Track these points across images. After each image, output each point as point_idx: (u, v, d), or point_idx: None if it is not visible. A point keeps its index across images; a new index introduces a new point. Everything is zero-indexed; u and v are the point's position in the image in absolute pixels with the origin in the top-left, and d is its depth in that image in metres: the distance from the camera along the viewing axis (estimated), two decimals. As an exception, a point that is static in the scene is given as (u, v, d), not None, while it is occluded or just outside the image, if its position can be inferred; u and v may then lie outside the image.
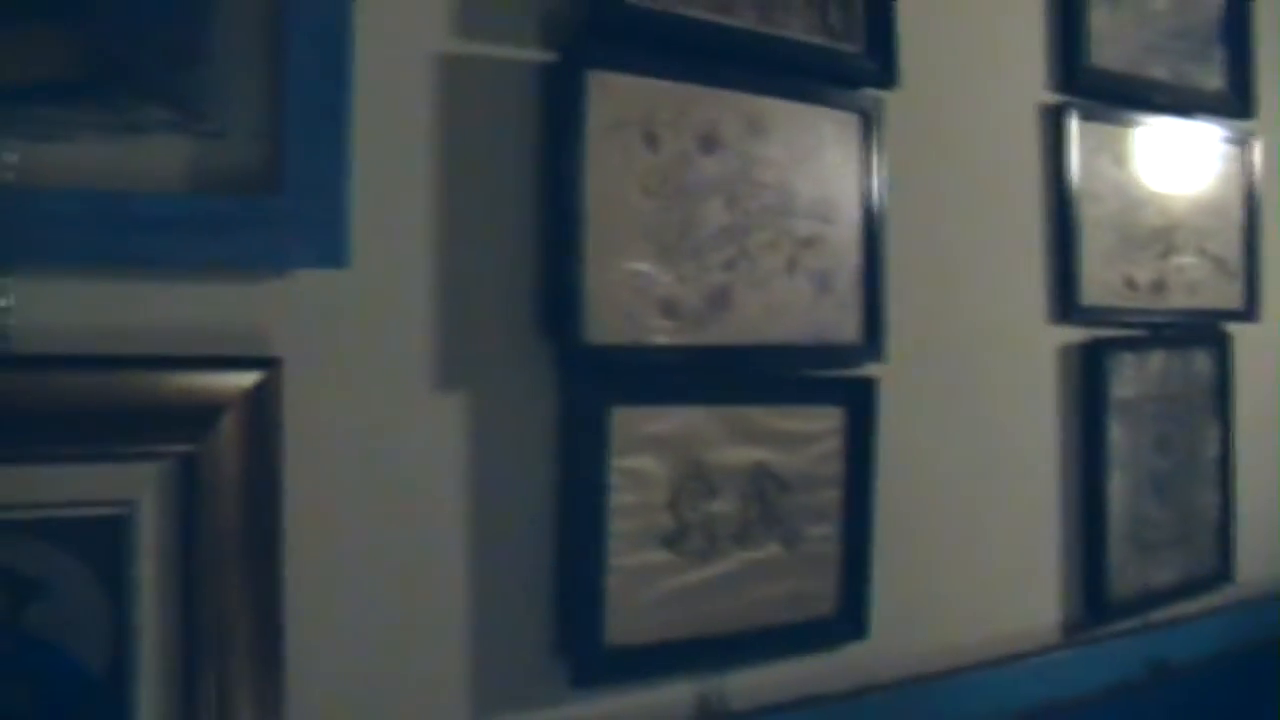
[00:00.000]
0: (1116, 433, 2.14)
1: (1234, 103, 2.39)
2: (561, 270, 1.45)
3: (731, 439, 1.61)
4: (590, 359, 1.47)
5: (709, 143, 1.58)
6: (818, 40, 1.70)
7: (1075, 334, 2.12)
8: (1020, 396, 2.06)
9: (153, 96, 1.21)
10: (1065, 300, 2.09)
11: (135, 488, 1.21)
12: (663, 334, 1.53)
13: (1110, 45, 2.17)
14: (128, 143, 1.20)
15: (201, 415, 1.22)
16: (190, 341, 1.24)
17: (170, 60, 1.22)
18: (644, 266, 1.52)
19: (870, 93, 1.77)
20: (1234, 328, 2.40)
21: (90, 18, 1.18)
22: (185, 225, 1.21)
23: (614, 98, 1.49)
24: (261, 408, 1.25)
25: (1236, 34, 2.39)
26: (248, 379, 1.24)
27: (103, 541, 1.19)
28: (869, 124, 1.76)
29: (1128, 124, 2.19)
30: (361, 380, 1.37)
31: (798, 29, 1.68)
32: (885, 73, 1.77)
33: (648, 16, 1.52)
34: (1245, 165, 2.42)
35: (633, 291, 1.51)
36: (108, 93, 1.19)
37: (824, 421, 1.71)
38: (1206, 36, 2.35)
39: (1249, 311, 2.42)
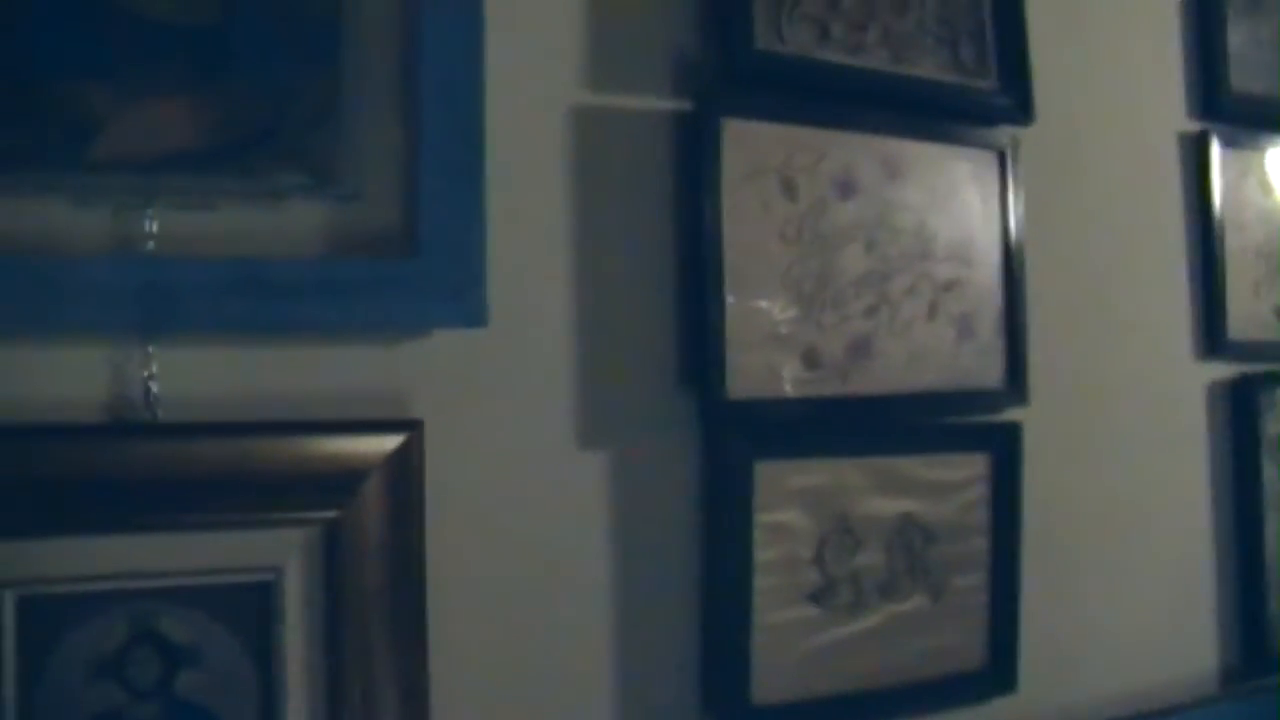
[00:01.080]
0: (1271, 472, 2.05)
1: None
2: (702, 323, 1.43)
3: (875, 490, 1.57)
4: (732, 413, 1.44)
5: (846, 188, 1.55)
6: (951, 78, 1.67)
7: (1224, 369, 2.04)
8: (1169, 436, 1.98)
9: (288, 161, 1.22)
10: (1212, 334, 2.01)
11: (281, 554, 1.20)
12: (804, 385, 1.50)
13: (1250, 67, 2.09)
14: (264, 209, 1.22)
15: (344, 480, 1.22)
16: (331, 406, 1.24)
17: (305, 124, 1.23)
18: (784, 316, 1.49)
19: (1006, 129, 1.72)
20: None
21: (225, 85, 1.19)
22: (323, 289, 1.21)
23: (750, 145, 1.47)
24: (404, 471, 1.24)
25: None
26: (390, 442, 1.24)
27: (250, 608, 1.20)
28: (1005, 161, 1.71)
29: (1271, 148, 2.11)
30: (503, 440, 1.35)
31: (930, 68, 1.65)
32: (1020, 108, 1.73)
33: (781, 62, 1.50)
34: None
35: (774, 343, 1.48)
36: (243, 160, 1.20)
37: (968, 469, 1.66)
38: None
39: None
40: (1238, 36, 2.08)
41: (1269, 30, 2.13)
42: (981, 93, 1.70)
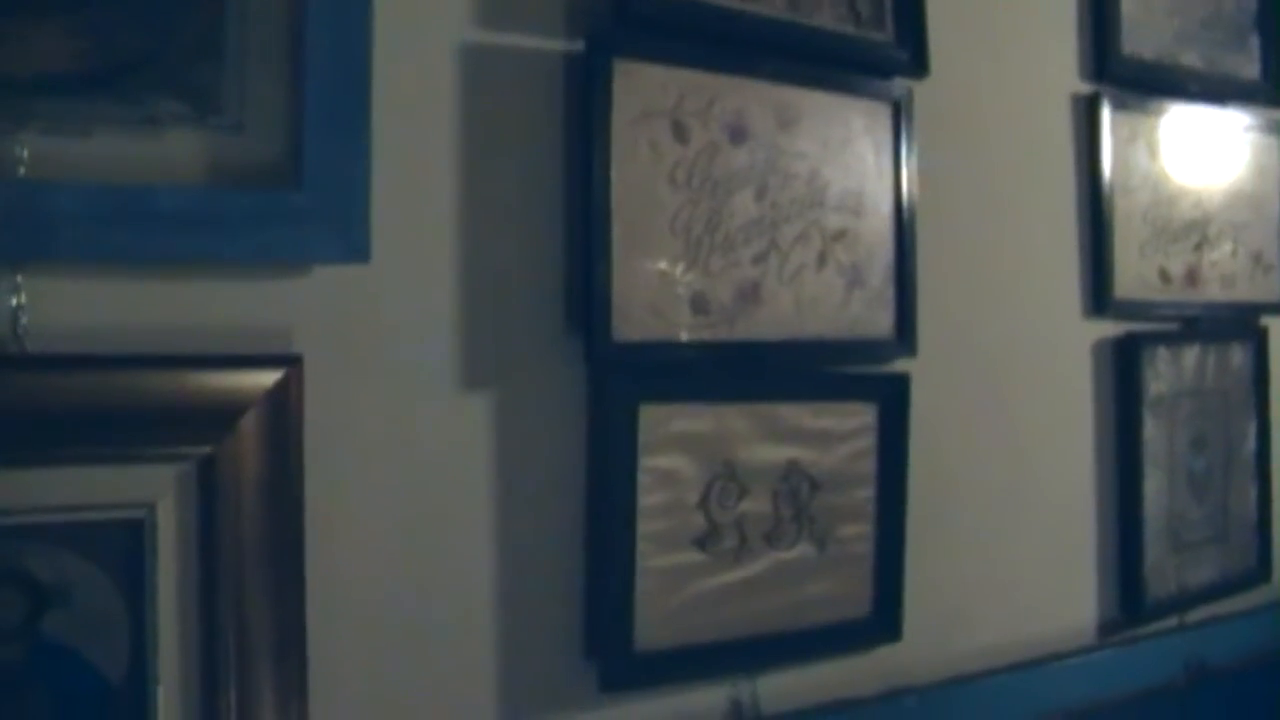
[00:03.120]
0: (1151, 429, 2.10)
1: (1270, 91, 2.34)
2: (588, 265, 1.41)
3: (762, 437, 1.57)
4: (618, 355, 1.43)
5: (737, 133, 1.54)
6: (847, 29, 1.67)
7: (1109, 328, 2.08)
8: (1054, 392, 2.02)
9: (169, 90, 1.19)
10: (1099, 294, 2.05)
11: (153, 490, 1.18)
12: (692, 330, 1.50)
13: (1143, 33, 2.13)
14: (143, 137, 1.18)
15: (221, 415, 1.19)
16: (209, 340, 1.21)
17: (187, 53, 1.19)
18: (672, 261, 1.48)
19: (900, 82, 1.73)
20: (1271, 320, 2.35)
21: (104, 10, 1.15)
22: (202, 221, 1.18)
23: (641, 88, 1.45)
24: (282, 407, 1.22)
25: (1272, 20, 2.34)
26: (268, 378, 1.21)
27: (121, 546, 1.17)
28: (899, 114, 1.72)
29: (1161, 113, 2.15)
30: (385, 379, 1.33)
31: (827, 18, 1.65)
32: (915, 62, 1.74)
33: (675, 4, 1.49)
34: (1271, 154, 2.37)
35: (661, 287, 1.47)
36: (123, 86, 1.17)
37: (855, 419, 1.67)
38: (1241, 23, 2.30)
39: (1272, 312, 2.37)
40: (1132, 2, 2.10)
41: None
42: (877, 45, 1.70)
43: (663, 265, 1.47)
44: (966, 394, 1.87)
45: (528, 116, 1.44)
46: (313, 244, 1.24)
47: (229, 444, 1.20)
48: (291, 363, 1.22)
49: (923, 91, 1.76)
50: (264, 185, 1.22)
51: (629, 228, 1.44)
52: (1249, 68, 2.32)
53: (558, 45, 1.45)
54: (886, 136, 1.71)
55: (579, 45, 1.45)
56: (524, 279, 1.43)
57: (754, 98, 1.56)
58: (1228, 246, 2.25)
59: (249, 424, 1.20)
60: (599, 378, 1.45)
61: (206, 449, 1.19)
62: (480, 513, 1.40)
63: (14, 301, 1.13)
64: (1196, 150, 2.21)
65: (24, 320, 1.13)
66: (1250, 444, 2.32)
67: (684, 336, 1.49)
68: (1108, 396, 2.08)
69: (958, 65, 1.84)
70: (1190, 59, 2.20)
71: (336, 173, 1.24)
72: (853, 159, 1.67)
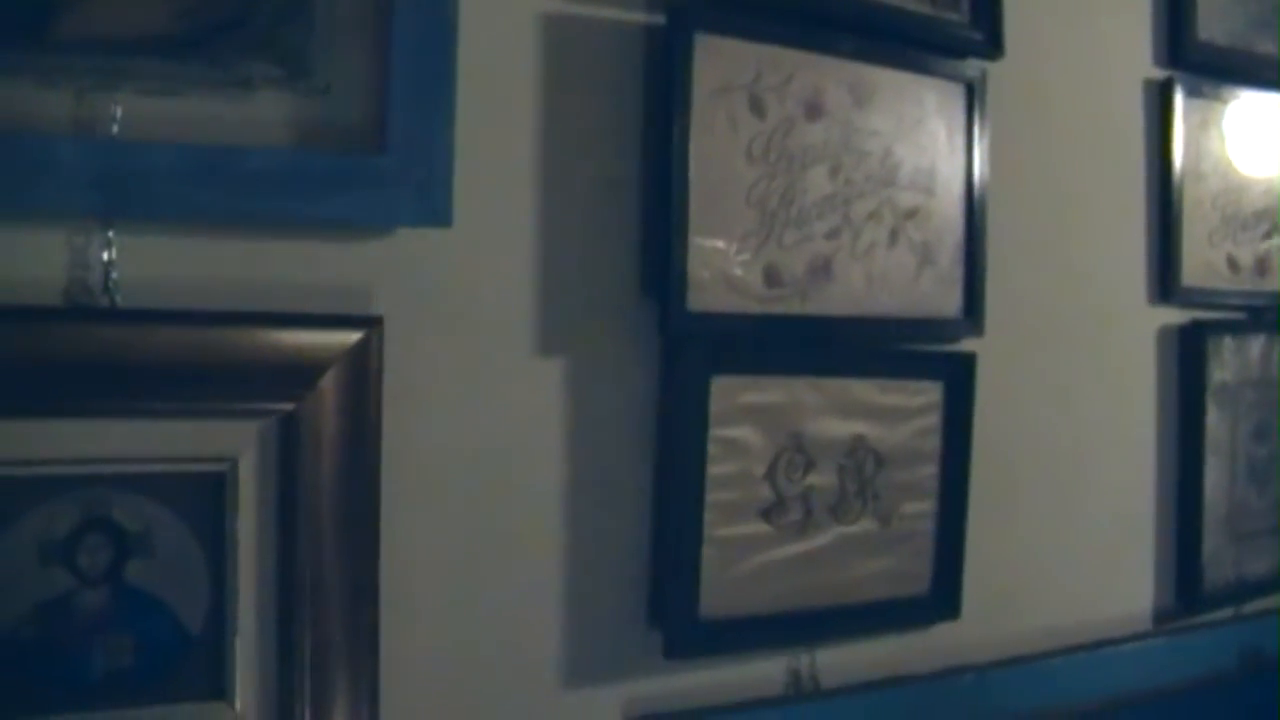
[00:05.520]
0: (1214, 417, 2.09)
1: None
2: (665, 236, 1.43)
3: (830, 411, 1.58)
4: (691, 326, 1.45)
5: (814, 109, 1.55)
6: (923, 9, 1.67)
7: (1175, 315, 2.07)
8: (1119, 377, 2.01)
9: (257, 52, 1.21)
10: (1166, 280, 2.04)
11: (236, 445, 1.21)
12: (764, 302, 1.51)
13: (1217, 19, 2.11)
14: (232, 98, 1.20)
15: (302, 373, 1.22)
16: (292, 299, 1.23)
17: (278, 17, 1.21)
18: (746, 234, 1.49)
19: (974, 63, 1.73)
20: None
21: (198, -28, 1.17)
22: (289, 182, 1.21)
23: (720, 62, 1.46)
24: (362, 367, 1.24)
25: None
26: (349, 338, 1.23)
27: (203, 498, 1.20)
28: (972, 95, 1.72)
29: (1234, 100, 2.13)
30: (462, 342, 1.36)
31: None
32: (990, 43, 1.74)
33: None
34: None
35: (735, 259, 1.48)
36: (215, 48, 1.19)
37: (922, 396, 1.68)
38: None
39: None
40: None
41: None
42: (952, 25, 1.70)
43: (737, 238, 1.48)
44: (1031, 376, 1.87)
45: (608, 87, 1.45)
46: (396, 207, 1.26)
47: (310, 401, 1.22)
48: (372, 324, 1.25)
49: (996, 73, 1.75)
50: (349, 148, 1.24)
51: (705, 200, 1.45)
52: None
53: (639, 17, 1.46)
54: (960, 117, 1.71)
55: (659, 18, 1.46)
56: (601, 248, 1.44)
57: (830, 74, 1.57)
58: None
59: (329, 383, 1.23)
60: (672, 347, 1.46)
61: (288, 406, 1.22)
62: (552, 478, 1.42)
63: (105, 256, 1.16)
64: (1269, 138, 2.18)
65: (115, 275, 1.16)
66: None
67: (756, 309, 1.50)
68: (1171, 383, 2.07)
69: (1031, 47, 1.83)
70: (1265, 45, 2.18)
71: (420, 137, 1.26)
72: (926, 138, 1.67)
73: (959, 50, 1.72)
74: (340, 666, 1.24)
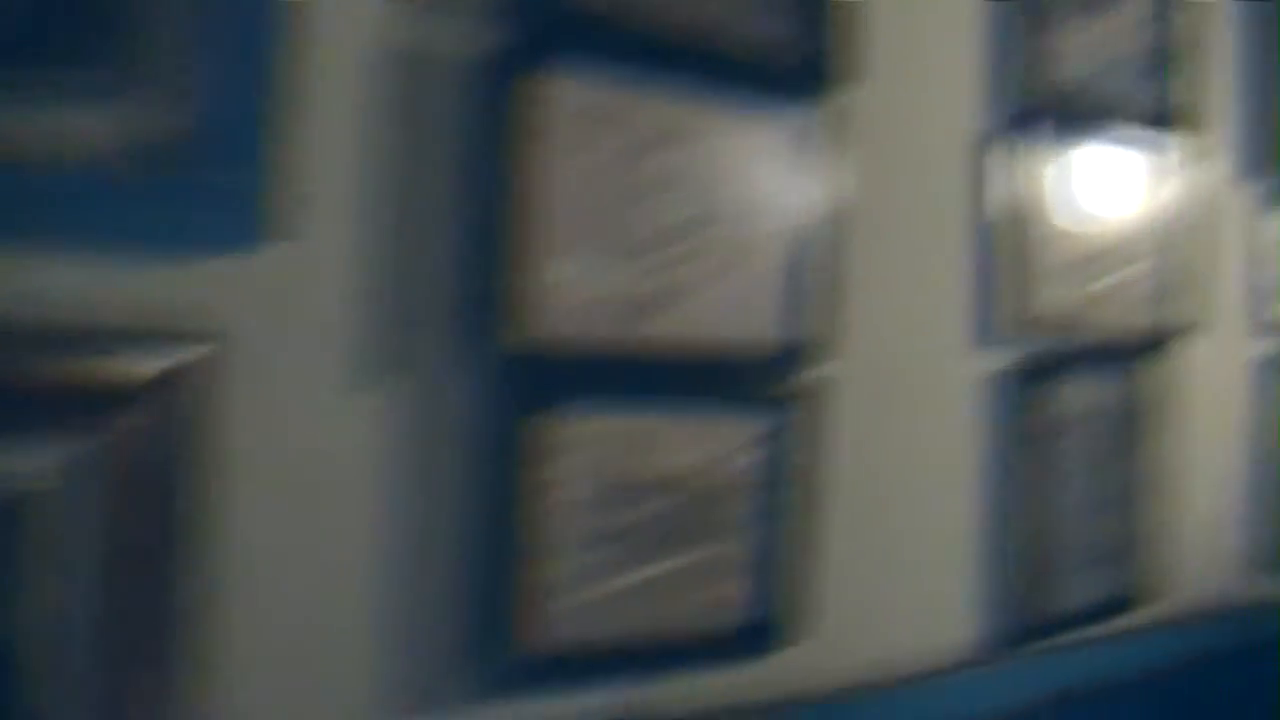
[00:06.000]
0: (1043, 452, 2.15)
1: (1176, 120, 2.42)
2: (498, 267, 1.43)
3: (663, 443, 1.59)
4: (525, 358, 1.44)
5: (661, 139, 1.56)
6: (772, 42, 1.69)
7: (1009, 351, 2.12)
8: (950, 412, 2.06)
9: (68, 65, 1.17)
10: (1000, 317, 2.10)
11: (43, 471, 1.16)
12: (598, 334, 1.51)
13: (1054, 62, 2.17)
14: (42, 112, 1.16)
15: (114, 397, 1.18)
16: (107, 319, 1.19)
17: (86, 28, 1.18)
18: (586, 263, 1.49)
19: (822, 97, 1.76)
20: (1168, 346, 2.43)
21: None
22: (102, 198, 1.18)
23: (564, 92, 1.47)
24: (178, 389, 1.21)
25: (1180, 52, 2.43)
26: (163, 361, 1.20)
27: (7, 527, 1.14)
28: (818, 129, 1.75)
29: (1069, 141, 2.20)
30: (285, 366, 1.32)
31: (747, 29, 1.66)
32: (836, 77, 1.77)
33: (603, 11, 1.51)
34: (1187, 183, 2.45)
35: (570, 290, 1.48)
36: (18, 58, 1.15)
37: (761, 427, 1.69)
38: (1151, 54, 2.38)
39: (1182, 330, 2.46)
40: (1045, 33, 2.16)
41: (1076, 27, 2.22)
42: (801, 57, 1.73)
43: (577, 266, 1.48)
44: (866, 411, 1.90)
45: (444, 117, 1.44)
46: (213, 225, 1.23)
47: (119, 427, 1.18)
48: (191, 344, 1.22)
49: (838, 108, 1.78)
50: (165, 164, 1.21)
51: (547, 227, 1.45)
52: (1158, 98, 2.39)
53: (479, 49, 1.46)
54: (806, 149, 1.73)
55: (501, 47, 1.46)
56: (432, 277, 1.43)
57: (677, 105, 1.58)
58: (1132, 272, 2.31)
59: (141, 407, 1.19)
60: (502, 377, 1.46)
61: (97, 431, 1.18)
62: (373, 508, 1.40)
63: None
64: (1101, 178, 2.26)
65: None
66: (1141, 471, 2.37)
67: (594, 338, 1.51)
68: (1003, 419, 2.12)
69: (872, 84, 1.87)
70: (1100, 88, 2.26)
71: (240, 154, 1.24)
72: (771, 169, 1.69)
73: (806, 85, 1.75)
74: (152, 698, 1.20)
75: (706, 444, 1.64)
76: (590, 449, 1.52)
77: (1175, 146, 2.42)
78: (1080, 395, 2.22)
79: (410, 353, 1.42)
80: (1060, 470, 2.19)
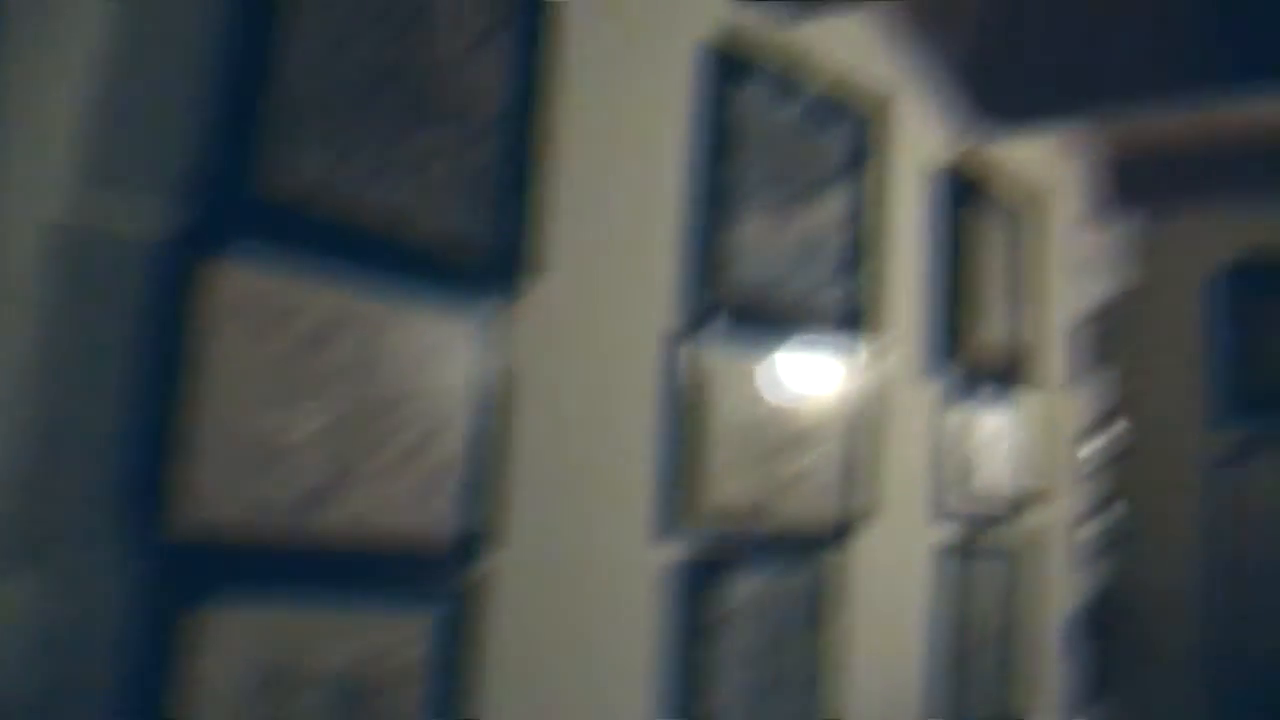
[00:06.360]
0: (718, 641, 2.19)
1: (862, 317, 2.58)
2: (156, 457, 1.41)
3: (323, 639, 1.57)
4: (179, 549, 1.43)
5: (330, 333, 1.58)
6: (454, 235, 1.74)
7: (688, 542, 2.18)
8: (627, 603, 2.09)
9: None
10: (676, 514, 2.15)
11: None
12: (265, 526, 1.50)
13: (743, 259, 2.27)
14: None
15: None
16: None
17: None
18: (248, 456, 1.49)
19: (501, 291, 1.81)
20: (849, 534, 2.55)
21: None
22: None
23: (235, 284, 1.48)
24: None
25: (867, 252, 2.58)
26: None
27: None
28: (496, 321, 1.80)
29: (755, 337, 2.32)
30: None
31: (437, 220, 1.71)
32: (517, 272, 1.83)
33: (277, 207, 1.53)
34: (870, 377, 2.60)
35: (234, 481, 1.47)
36: None
37: (422, 623, 1.69)
38: (839, 253, 2.53)
39: (863, 518, 2.58)
40: (734, 233, 2.27)
41: (761, 229, 2.32)
42: (489, 250, 1.79)
43: (238, 459, 1.48)
44: (540, 605, 1.92)
45: (114, 301, 1.42)
46: None
47: None
48: None
49: (522, 305, 1.84)
50: None
51: (205, 421, 1.44)
52: (844, 295, 2.54)
53: (153, 233, 1.45)
54: (487, 342, 1.78)
55: (174, 236, 1.46)
56: (87, 465, 1.39)
57: (359, 295, 1.61)
58: (807, 465, 2.40)
59: None
60: (155, 570, 1.42)
61: None
62: (14, 704, 1.33)
63: None
64: (787, 374, 2.38)
65: None
66: (818, 655, 2.44)
67: (261, 530, 1.49)
68: (680, 608, 2.16)
69: (566, 278, 1.94)
70: (787, 285, 2.39)
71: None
72: (451, 361, 1.73)
73: (485, 283, 1.80)
74: None
75: (371, 637, 1.63)
76: (249, 641, 1.49)
77: (860, 343, 2.55)
78: (758, 584, 2.28)
79: (63, 541, 1.37)
80: (735, 658, 2.23)
